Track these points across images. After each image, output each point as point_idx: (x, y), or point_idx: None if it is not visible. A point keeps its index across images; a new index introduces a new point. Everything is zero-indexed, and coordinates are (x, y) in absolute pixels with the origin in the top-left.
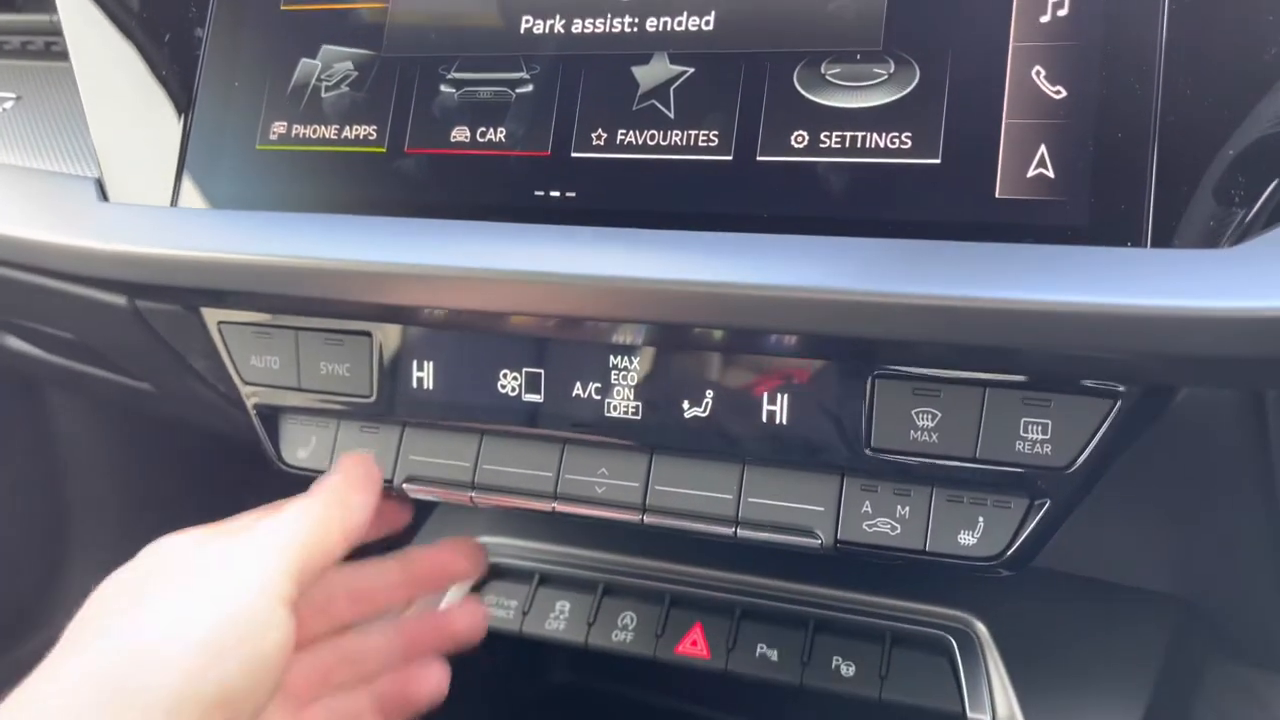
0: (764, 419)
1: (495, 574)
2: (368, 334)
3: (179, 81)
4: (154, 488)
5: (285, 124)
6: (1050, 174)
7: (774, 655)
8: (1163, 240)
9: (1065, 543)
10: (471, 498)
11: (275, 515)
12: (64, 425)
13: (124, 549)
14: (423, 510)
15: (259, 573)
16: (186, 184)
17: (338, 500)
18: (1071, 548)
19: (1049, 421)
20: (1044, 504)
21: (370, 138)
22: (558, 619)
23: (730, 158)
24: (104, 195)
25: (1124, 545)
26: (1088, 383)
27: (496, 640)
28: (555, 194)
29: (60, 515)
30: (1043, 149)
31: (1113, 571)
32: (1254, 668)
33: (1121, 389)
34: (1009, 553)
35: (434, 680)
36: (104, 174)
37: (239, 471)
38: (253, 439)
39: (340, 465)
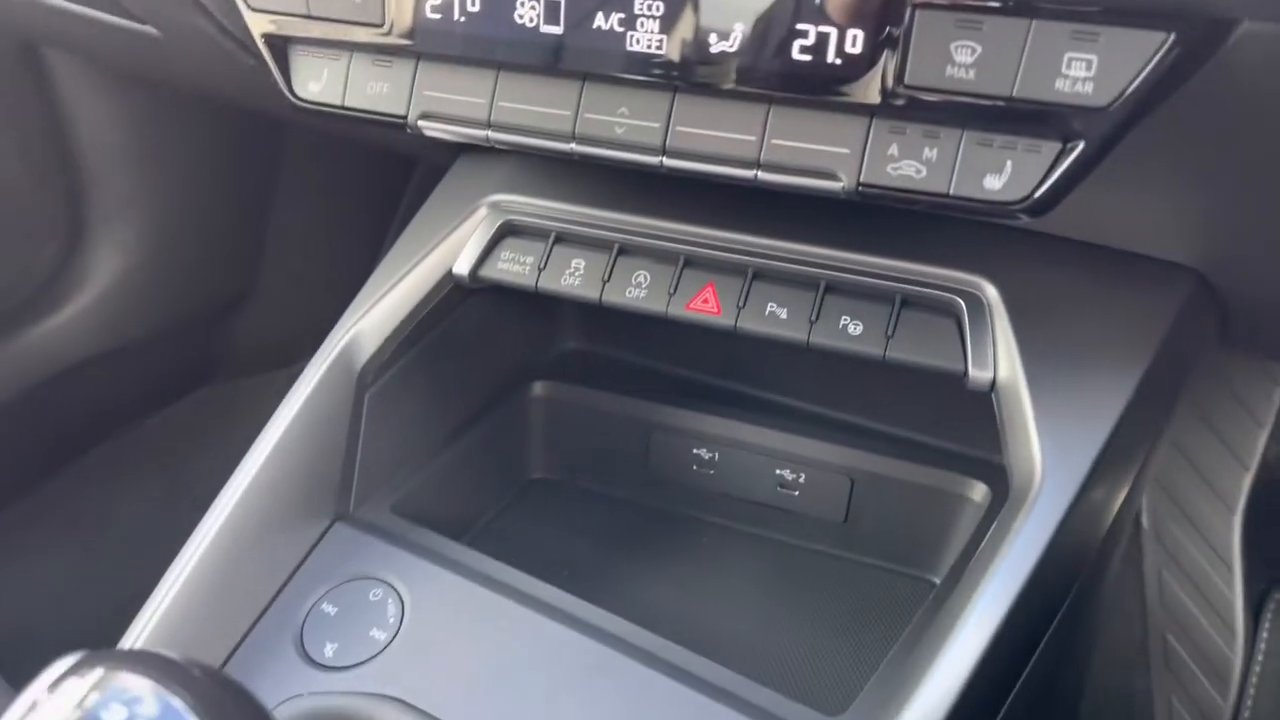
0: (795, 53)
1: (511, 231)
2: None
3: None
4: (163, 164)
5: None
6: None
7: (783, 313)
8: None
9: (1083, 208)
10: (488, 136)
11: None
12: (69, 95)
13: (138, 224)
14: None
15: None
16: None
17: None
18: (1090, 215)
19: (1094, 57)
20: (1076, 146)
21: None
22: (573, 276)
23: None
24: None
25: (1143, 213)
26: (1141, 15)
27: (512, 297)
28: None
29: (74, 189)
30: None
31: (1129, 241)
32: (1239, 356)
33: (1176, 23)
34: (1035, 195)
35: None
36: None
37: (247, 132)
38: (262, 85)
39: None
